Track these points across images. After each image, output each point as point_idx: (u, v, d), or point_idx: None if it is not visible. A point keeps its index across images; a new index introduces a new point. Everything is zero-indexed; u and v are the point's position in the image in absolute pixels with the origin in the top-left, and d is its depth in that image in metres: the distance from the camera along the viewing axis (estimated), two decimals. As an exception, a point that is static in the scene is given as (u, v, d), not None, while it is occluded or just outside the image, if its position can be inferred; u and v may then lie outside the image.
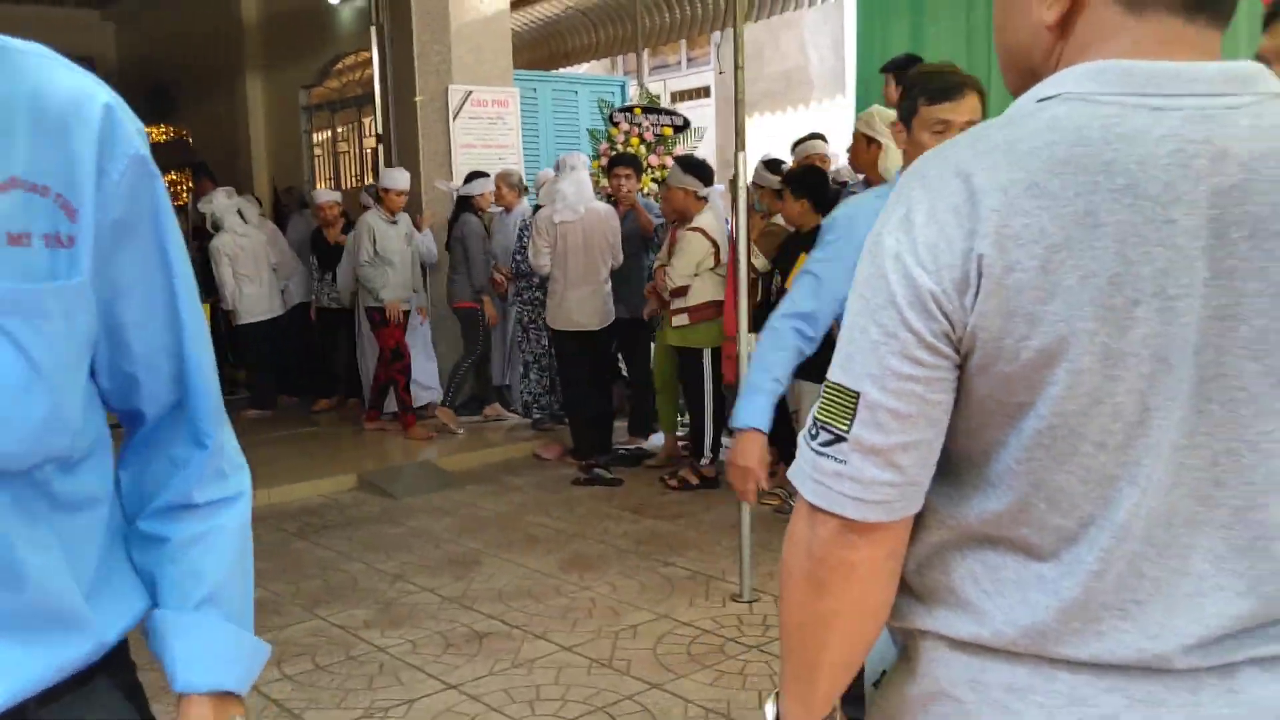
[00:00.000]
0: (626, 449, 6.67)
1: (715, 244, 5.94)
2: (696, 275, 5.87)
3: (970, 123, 1.88)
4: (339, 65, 9.64)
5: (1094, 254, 0.86)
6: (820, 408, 0.96)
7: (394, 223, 7.02)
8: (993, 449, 0.93)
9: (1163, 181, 0.86)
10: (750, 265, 5.60)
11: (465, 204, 7.24)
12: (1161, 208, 0.86)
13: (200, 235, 8.49)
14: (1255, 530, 0.91)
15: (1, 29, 1.00)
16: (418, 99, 7.78)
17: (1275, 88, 0.92)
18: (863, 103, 8.45)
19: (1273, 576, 0.91)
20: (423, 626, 4.04)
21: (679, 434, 6.59)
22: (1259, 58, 1.80)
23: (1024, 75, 1.00)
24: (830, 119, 10.92)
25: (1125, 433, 0.88)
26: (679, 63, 13.65)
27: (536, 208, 6.90)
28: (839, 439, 0.94)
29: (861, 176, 4.82)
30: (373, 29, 8.02)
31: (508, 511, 5.56)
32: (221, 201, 7.85)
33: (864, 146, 4.84)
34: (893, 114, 4.92)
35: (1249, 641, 0.92)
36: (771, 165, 6.30)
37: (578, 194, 6.40)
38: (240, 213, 7.84)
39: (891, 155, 4.63)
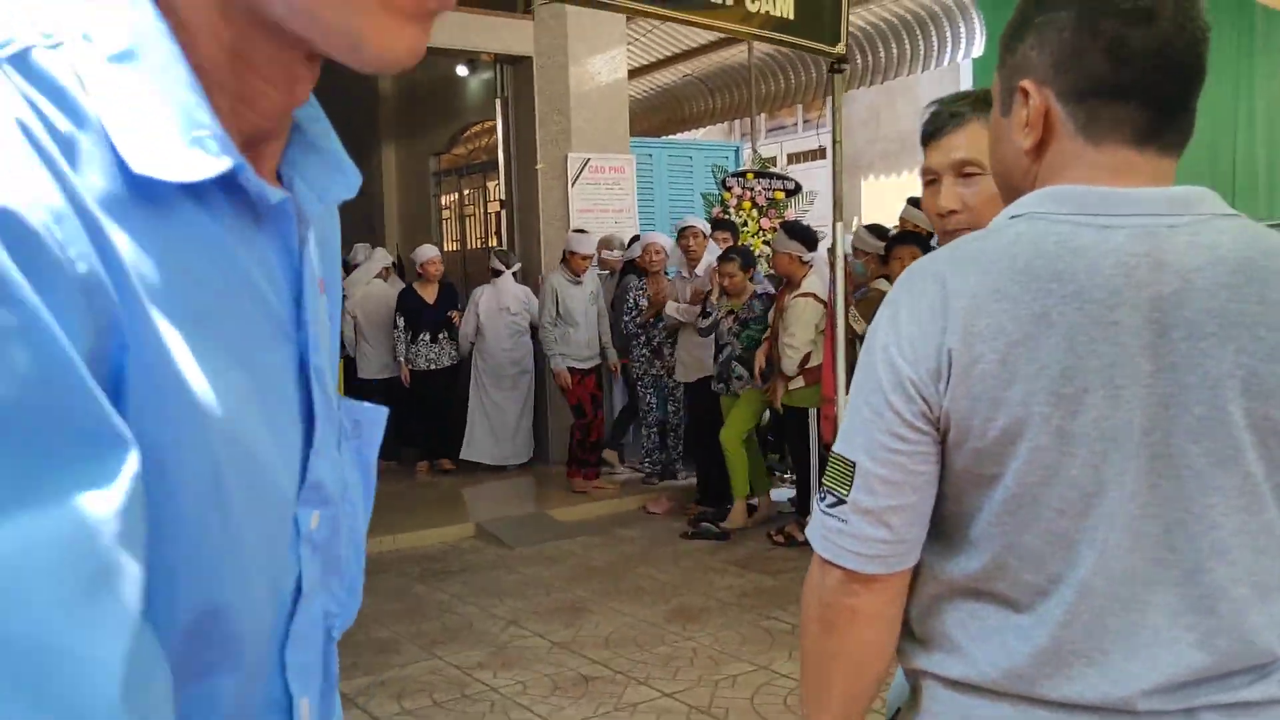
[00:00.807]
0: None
1: (825, 304, 6.09)
2: (814, 340, 6.02)
3: (964, 161, 1.65)
4: (467, 133, 10.16)
5: (1047, 349, 1.02)
6: (826, 474, 1.16)
7: (579, 283, 7.38)
8: (971, 513, 1.09)
9: (1107, 288, 1.02)
10: (849, 328, 5.76)
11: (629, 265, 7.58)
12: (1107, 310, 1.02)
13: None
14: (1203, 590, 1.04)
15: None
16: (539, 167, 8.18)
17: (1216, 209, 1.08)
18: (978, 163, 8.54)
19: (1222, 632, 1.04)
20: (532, 669, 4.27)
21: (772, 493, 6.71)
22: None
23: (1010, 192, 1.19)
24: (945, 179, 11.00)
25: (1083, 502, 1.04)
26: (795, 124, 13.91)
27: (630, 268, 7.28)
28: (840, 501, 1.11)
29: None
30: (497, 101, 8.49)
31: (616, 562, 5.77)
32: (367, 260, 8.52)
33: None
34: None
35: (1208, 689, 1.05)
36: (874, 230, 6.43)
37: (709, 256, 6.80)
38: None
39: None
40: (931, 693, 1.15)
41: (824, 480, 1.16)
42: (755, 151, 8.93)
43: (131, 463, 0.46)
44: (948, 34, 8.91)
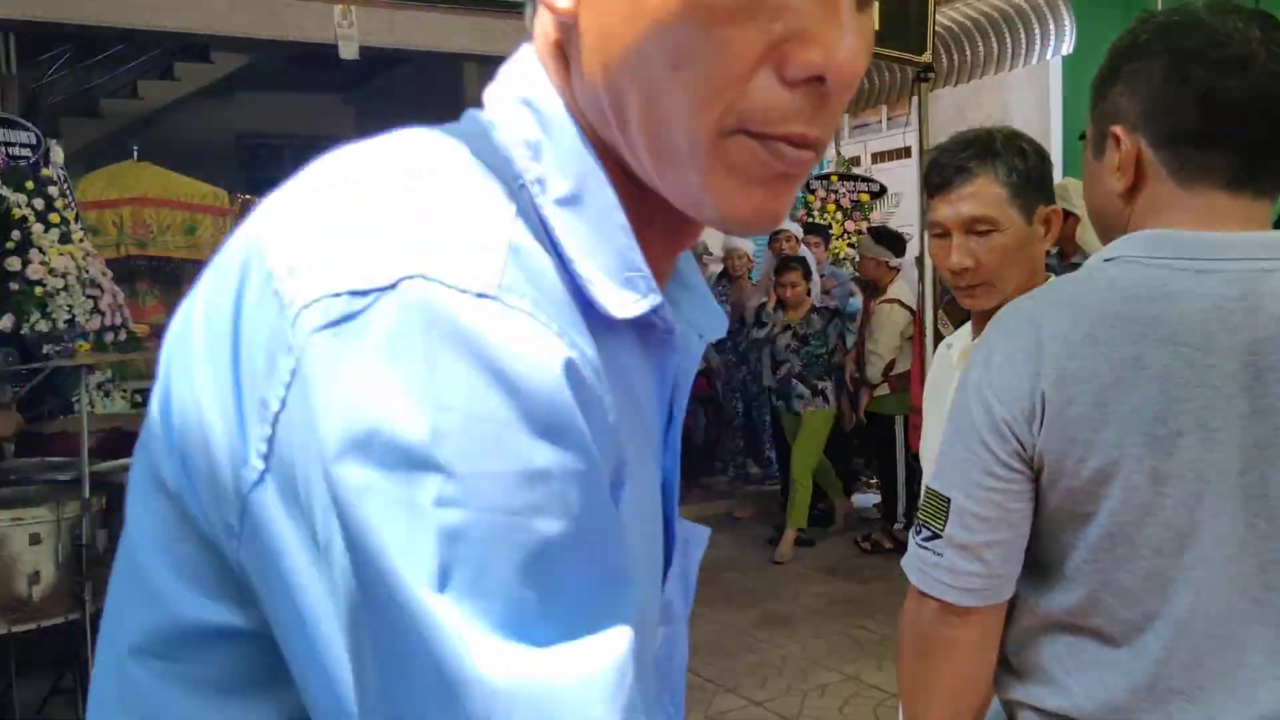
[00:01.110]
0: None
1: (912, 311, 6.05)
2: (899, 346, 5.99)
3: (976, 219, 1.61)
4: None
5: (1141, 392, 1.06)
6: (921, 509, 1.20)
7: None
8: (1066, 550, 1.13)
9: (1202, 332, 1.05)
10: (937, 333, 5.72)
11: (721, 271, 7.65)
12: (1201, 354, 1.05)
13: None
14: None
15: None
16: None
17: None
18: (1069, 161, 8.41)
19: None
20: (622, 675, 4.33)
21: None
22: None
23: (1106, 231, 1.22)
24: (1034, 178, 10.81)
25: (1178, 541, 1.06)
26: (879, 123, 13.76)
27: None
28: (936, 535, 1.16)
29: (1056, 249, 4.87)
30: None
31: (704, 566, 5.73)
32: None
33: (1060, 220, 4.89)
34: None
35: None
36: (882, 235, 6.32)
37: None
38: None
39: (1089, 228, 4.69)
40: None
41: (919, 514, 1.20)
42: (839, 153, 8.89)
43: (634, 598, 0.50)
44: (1036, 32, 8.76)
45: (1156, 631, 1.08)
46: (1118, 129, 1.16)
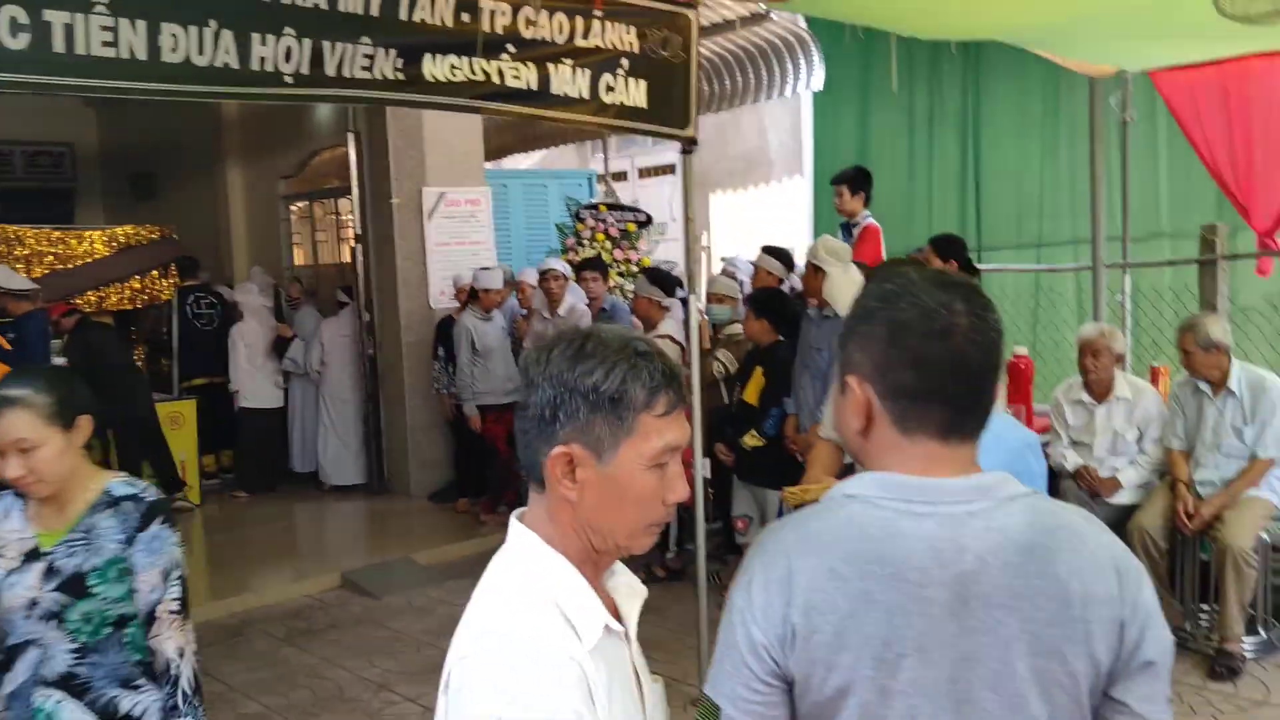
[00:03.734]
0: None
1: (682, 347, 6.30)
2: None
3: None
4: (316, 159, 10.00)
5: (871, 622, 1.25)
6: (699, 710, 1.37)
7: (489, 319, 7.38)
8: None
9: (920, 569, 1.26)
10: (711, 374, 6.00)
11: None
12: (919, 588, 1.26)
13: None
14: None
15: None
16: (394, 201, 8.16)
17: (1011, 492, 1.31)
18: (819, 183, 8.96)
19: None
20: (407, 741, 4.35)
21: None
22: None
23: (852, 454, 1.43)
24: (789, 197, 11.40)
25: None
26: (646, 139, 14.11)
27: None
28: None
29: (814, 301, 5.18)
30: (349, 134, 8.41)
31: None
32: (255, 293, 8.56)
33: (811, 274, 5.25)
34: (837, 243, 5.35)
35: None
36: (777, 253, 6.47)
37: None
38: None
39: (834, 282, 5.05)
40: None
41: (698, 715, 1.37)
42: (607, 184, 9.09)
43: None
44: (789, 67, 9.25)
45: None
46: (851, 379, 1.37)
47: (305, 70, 3.30)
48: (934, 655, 1.25)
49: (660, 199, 12.31)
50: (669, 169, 13.11)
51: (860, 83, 8.47)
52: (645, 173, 13.30)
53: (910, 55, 7.93)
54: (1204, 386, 4.84)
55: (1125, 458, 5.05)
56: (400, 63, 3.53)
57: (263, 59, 3.17)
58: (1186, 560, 4.97)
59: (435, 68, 3.62)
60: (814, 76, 9.11)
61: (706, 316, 6.38)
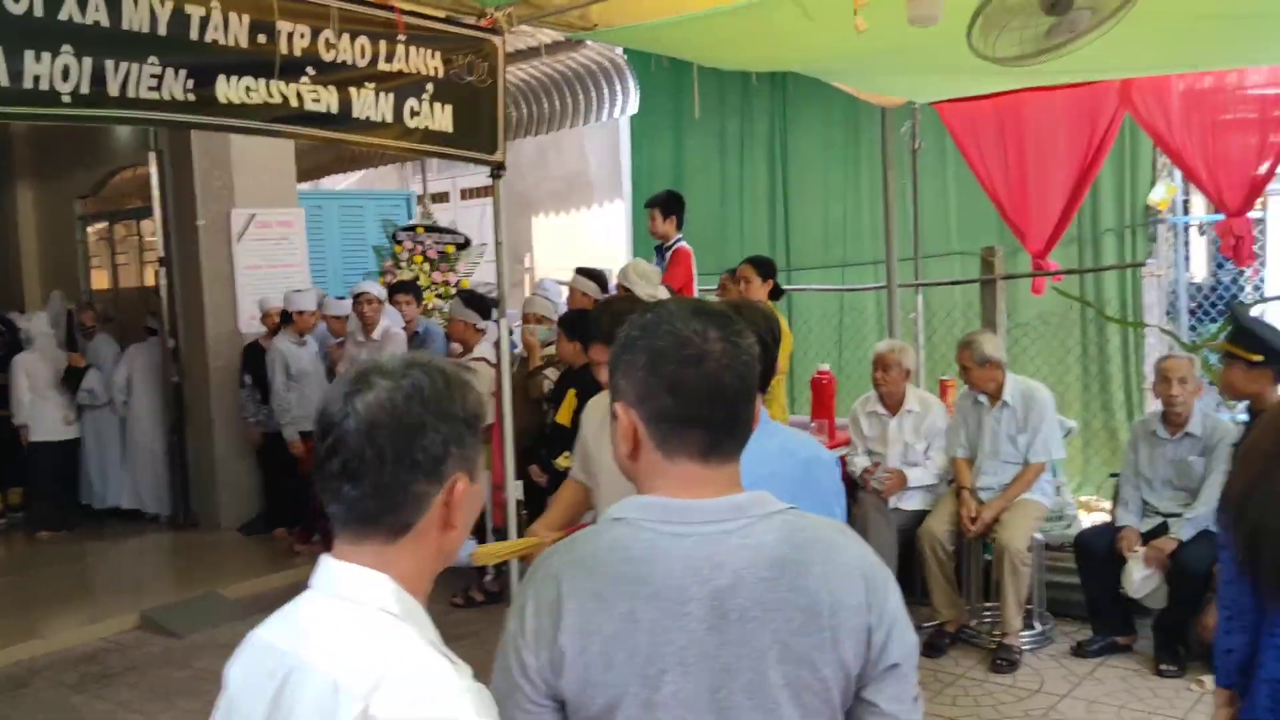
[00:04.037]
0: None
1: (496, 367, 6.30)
2: (488, 404, 6.21)
3: None
4: (117, 179, 9.57)
5: (635, 641, 1.33)
6: None
7: (304, 344, 7.11)
8: None
9: (679, 587, 1.34)
10: (544, 389, 6.04)
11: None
12: (679, 605, 1.34)
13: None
14: None
15: None
16: (199, 223, 7.89)
17: (767, 509, 1.40)
18: (637, 206, 9.14)
19: None
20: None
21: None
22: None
23: (628, 477, 1.49)
24: (610, 220, 11.57)
25: None
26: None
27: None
28: None
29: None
30: (151, 153, 8.09)
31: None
32: (43, 321, 8.07)
33: (623, 296, 5.36)
34: (648, 266, 5.50)
35: None
36: (591, 274, 6.54)
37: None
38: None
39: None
40: None
41: None
42: (425, 206, 9.04)
43: None
44: (605, 91, 9.42)
45: None
46: (618, 406, 1.44)
47: (85, 89, 3.19)
48: (694, 668, 1.34)
49: (483, 220, 12.27)
50: (490, 189, 13.11)
51: (674, 108, 8.70)
52: (468, 194, 13.24)
53: (721, 83, 8.20)
54: (982, 399, 5.20)
55: (916, 467, 5.36)
56: (191, 84, 3.45)
57: (37, 77, 3.06)
58: (971, 562, 5.31)
59: (230, 90, 3.56)
60: (630, 101, 9.30)
61: (534, 337, 6.39)
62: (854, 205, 7.91)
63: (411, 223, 8.82)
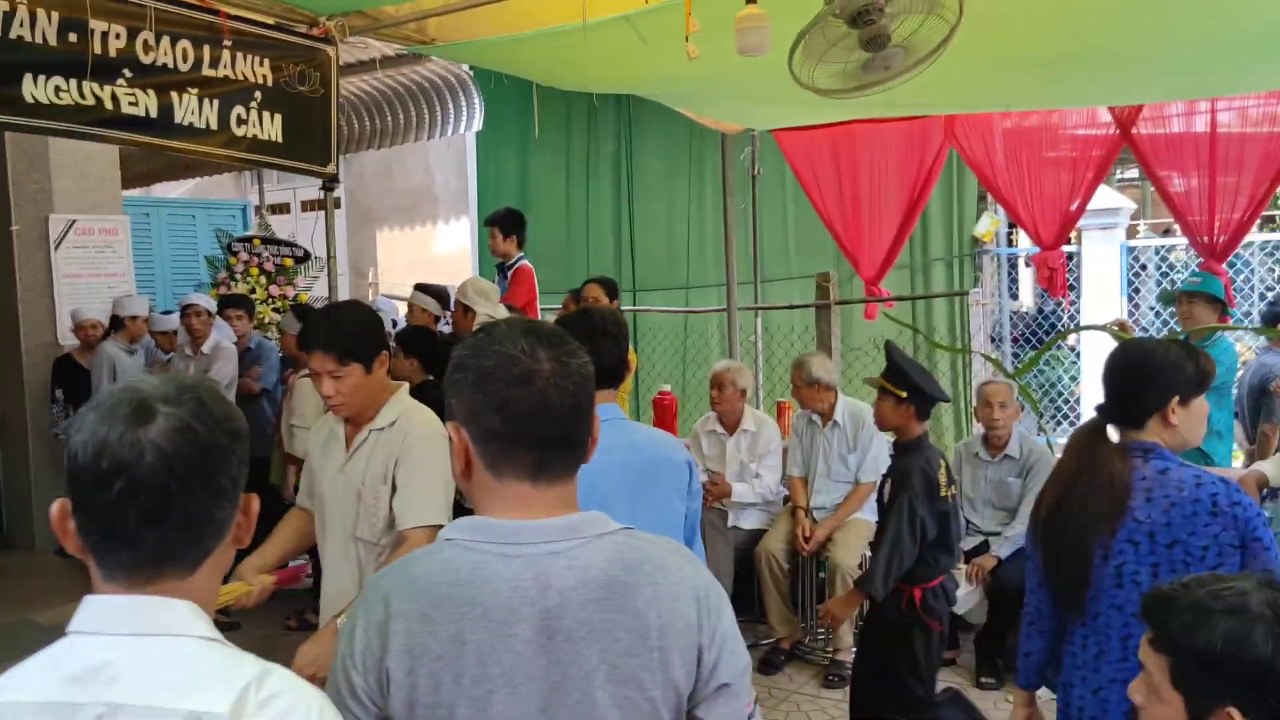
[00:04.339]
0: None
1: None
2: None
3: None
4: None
5: (462, 663, 1.32)
6: None
7: (134, 351, 6.68)
8: None
9: (507, 608, 1.33)
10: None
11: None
12: (505, 627, 1.33)
13: None
14: None
15: None
16: (13, 229, 7.42)
17: (598, 530, 1.39)
18: (483, 217, 9.06)
19: None
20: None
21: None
22: None
23: (466, 497, 1.47)
24: (456, 235, 11.46)
25: None
26: (310, 170, 13.69)
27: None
28: None
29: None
30: (-42, 155, 7.58)
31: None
32: None
33: (461, 313, 5.30)
34: (486, 284, 5.44)
35: None
36: (431, 290, 6.40)
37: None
38: None
39: (484, 322, 5.13)
40: None
41: None
42: (263, 217, 8.74)
43: None
44: (450, 106, 9.32)
45: None
46: (450, 426, 1.42)
47: None
48: (523, 688, 1.34)
49: (323, 231, 11.97)
50: (334, 202, 12.81)
51: (519, 126, 8.68)
52: (309, 206, 12.91)
53: (568, 102, 8.23)
54: (815, 419, 5.33)
55: (749, 486, 5.45)
56: (-7, 81, 3.25)
57: None
58: (807, 580, 5.42)
59: (37, 89, 3.36)
60: (476, 118, 9.23)
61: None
62: (698, 228, 8.05)
63: (248, 234, 8.51)
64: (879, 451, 5.22)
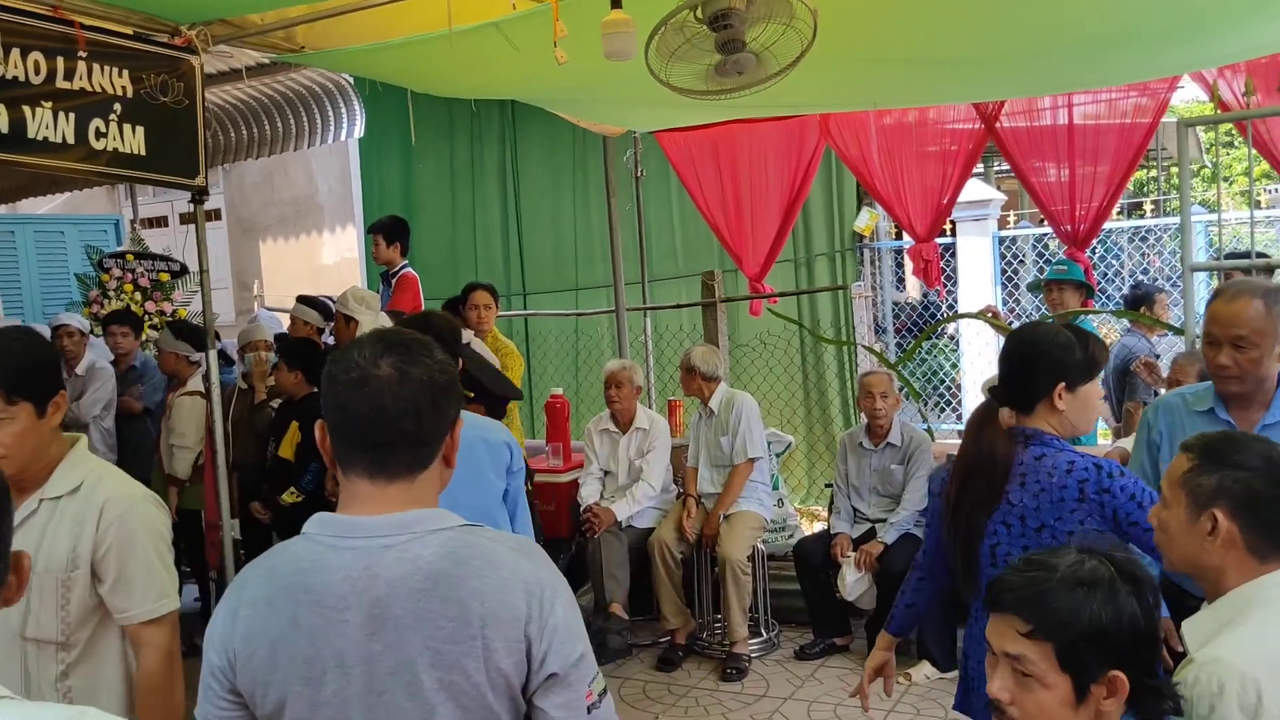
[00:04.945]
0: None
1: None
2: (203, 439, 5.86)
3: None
4: None
5: (297, 645, 1.44)
6: None
7: None
8: None
9: (338, 595, 1.44)
10: (257, 425, 5.76)
11: None
12: (338, 612, 1.44)
13: None
14: None
15: None
16: None
17: (432, 526, 1.47)
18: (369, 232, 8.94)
19: None
20: None
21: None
22: None
23: None
24: (343, 244, 11.26)
25: None
26: (188, 181, 13.30)
27: None
28: None
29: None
30: None
31: None
32: None
33: (343, 324, 5.23)
34: (366, 293, 5.37)
35: None
36: (312, 302, 6.26)
37: None
38: None
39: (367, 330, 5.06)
40: None
41: None
42: (135, 231, 8.48)
43: None
44: (330, 113, 9.16)
45: None
46: (318, 425, 1.53)
47: None
48: (354, 670, 1.44)
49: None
50: (214, 214, 12.47)
51: (401, 133, 8.59)
52: (187, 218, 12.53)
53: (450, 108, 8.17)
54: (702, 410, 5.44)
55: (634, 486, 5.49)
56: None
57: None
58: (701, 575, 5.48)
59: (-127, 105, 3.20)
60: (358, 124, 9.09)
61: (265, 365, 6.06)
62: (584, 230, 8.06)
63: (120, 249, 8.23)
64: (750, 433, 5.31)
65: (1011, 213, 7.93)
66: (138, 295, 7.84)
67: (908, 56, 4.15)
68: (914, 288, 8.78)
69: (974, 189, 7.57)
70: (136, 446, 6.33)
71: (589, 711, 1.50)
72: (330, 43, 4.16)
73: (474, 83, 4.69)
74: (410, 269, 6.25)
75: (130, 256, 7.91)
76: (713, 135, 6.22)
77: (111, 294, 7.71)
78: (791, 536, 5.96)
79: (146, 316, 7.71)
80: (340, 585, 1.43)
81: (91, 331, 7.05)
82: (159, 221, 12.28)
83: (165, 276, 8.00)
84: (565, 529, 5.67)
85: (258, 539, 5.72)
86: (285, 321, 6.78)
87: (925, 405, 7.25)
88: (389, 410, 1.46)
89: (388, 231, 6.29)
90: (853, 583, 5.05)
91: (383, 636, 1.43)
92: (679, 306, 7.10)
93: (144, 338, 7.34)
